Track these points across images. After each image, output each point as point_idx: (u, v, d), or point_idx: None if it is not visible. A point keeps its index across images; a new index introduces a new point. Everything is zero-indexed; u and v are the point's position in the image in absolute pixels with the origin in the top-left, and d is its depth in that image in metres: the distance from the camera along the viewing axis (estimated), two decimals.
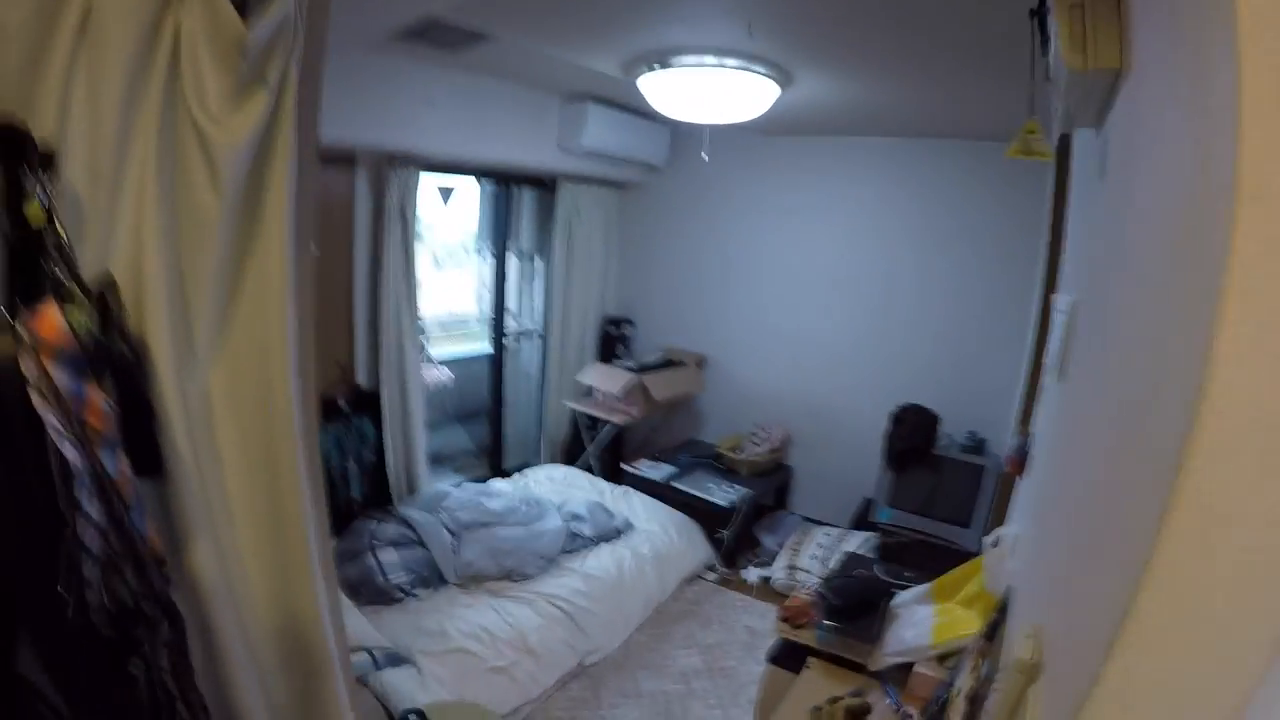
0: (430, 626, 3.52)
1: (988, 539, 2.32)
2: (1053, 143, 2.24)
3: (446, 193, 4.93)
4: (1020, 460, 2.47)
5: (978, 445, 4.67)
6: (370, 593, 3.66)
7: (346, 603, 3.28)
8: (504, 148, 4.64)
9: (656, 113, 4.19)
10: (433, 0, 2.75)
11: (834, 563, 4.56)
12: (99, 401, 1.20)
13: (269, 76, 1.47)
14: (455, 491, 4.52)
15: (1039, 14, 1.68)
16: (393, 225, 4.25)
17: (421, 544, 3.95)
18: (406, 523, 4.04)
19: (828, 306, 5.55)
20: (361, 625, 3.38)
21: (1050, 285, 3.50)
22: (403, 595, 3.70)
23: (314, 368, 1.75)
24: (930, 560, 4.58)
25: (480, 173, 5.07)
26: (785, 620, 2.88)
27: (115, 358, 1.32)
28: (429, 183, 4.65)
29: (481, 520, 4.19)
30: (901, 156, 5.13)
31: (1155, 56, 1.01)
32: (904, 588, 3.05)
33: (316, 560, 1.69)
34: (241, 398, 1.60)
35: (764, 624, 4.30)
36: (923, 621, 2.64)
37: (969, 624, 2.38)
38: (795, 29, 2.91)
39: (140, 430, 1.39)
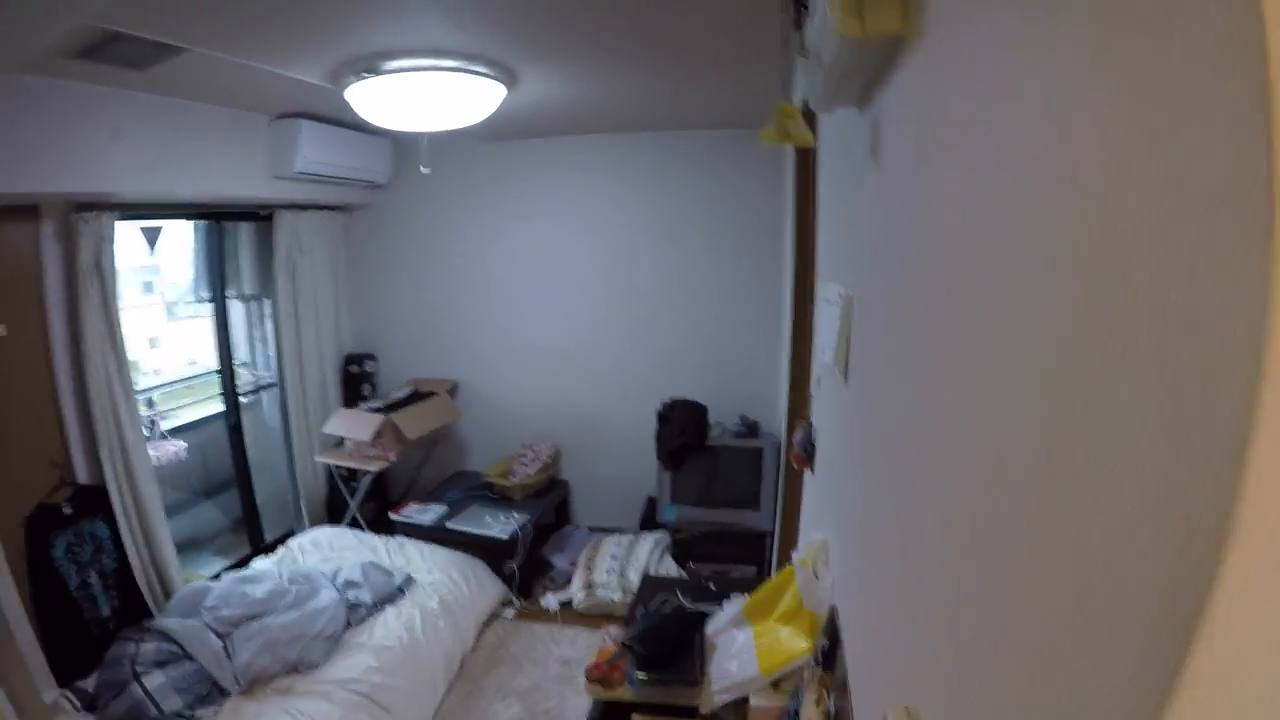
0: None
1: (795, 554, 2.32)
2: None
3: (152, 236, 4.47)
4: (807, 454, 2.58)
5: (751, 428, 4.93)
6: None
7: None
8: (210, 180, 4.23)
9: (375, 126, 4.00)
10: (85, 6, 2.39)
11: (632, 574, 4.66)
12: None
13: None
14: (214, 585, 4.17)
15: None
16: (89, 286, 3.75)
17: (189, 656, 3.63)
18: (167, 635, 3.71)
19: (575, 310, 5.66)
20: None
21: (804, 267, 3.72)
22: None
23: None
24: (727, 547, 4.83)
25: (188, 212, 4.61)
26: (596, 682, 2.82)
27: None
28: (132, 229, 4.24)
29: (249, 613, 3.88)
30: (634, 150, 5.33)
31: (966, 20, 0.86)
32: (711, 612, 3.02)
33: None
34: None
35: (575, 652, 4.35)
36: (744, 649, 2.61)
37: (795, 644, 2.38)
38: (513, 20, 2.86)
39: None
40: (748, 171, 5.12)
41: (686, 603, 3.23)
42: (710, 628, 2.78)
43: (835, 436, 2.06)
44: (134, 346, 4.35)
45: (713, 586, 3.41)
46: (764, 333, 5.25)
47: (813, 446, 2.55)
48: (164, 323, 5.62)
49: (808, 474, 2.81)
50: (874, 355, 1.46)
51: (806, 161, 3.62)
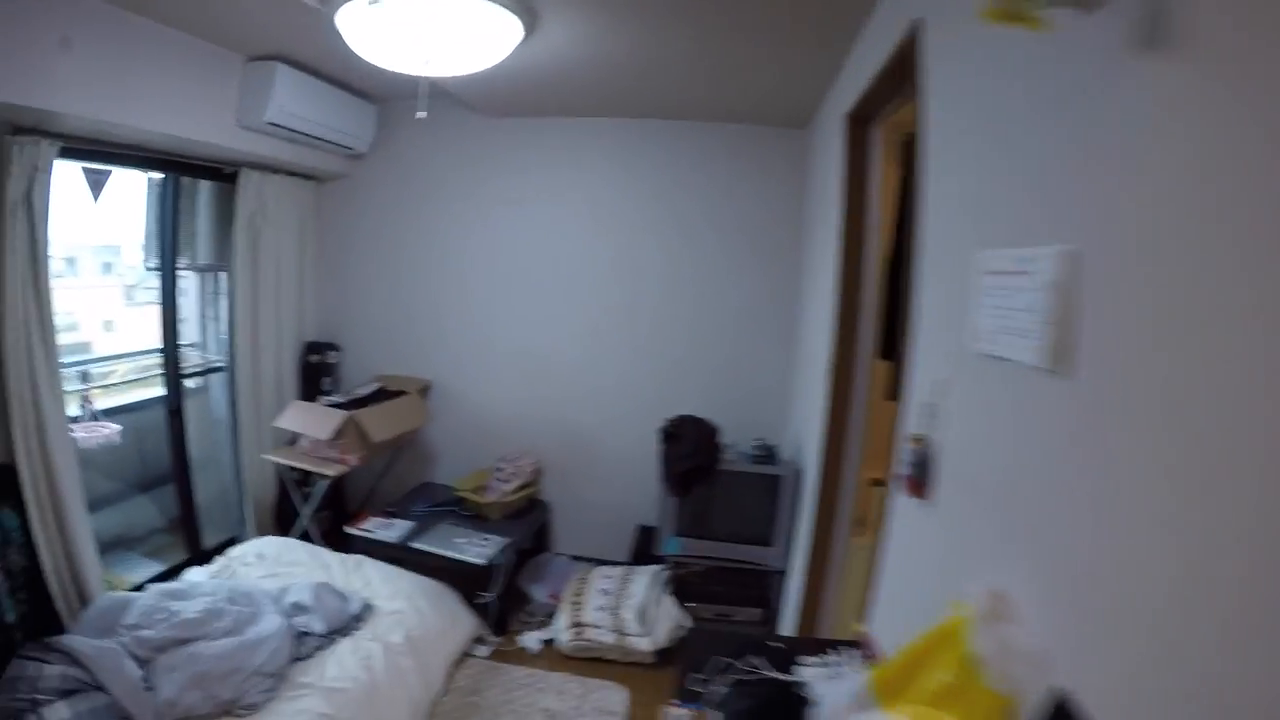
0: None
1: (971, 608, 1.59)
2: None
3: (97, 182, 3.73)
4: (919, 479, 2.08)
5: (768, 453, 4.37)
6: None
7: None
8: (167, 116, 3.56)
9: (359, 85, 3.42)
10: None
11: (626, 613, 4.07)
12: None
13: None
14: (137, 598, 3.45)
15: None
16: (14, 223, 3.06)
17: (100, 686, 2.94)
18: (75, 659, 3.00)
19: (568, 311, 5.12)
20: None
21: (851, 261, 3.27)
22: None
23: None
24: (730, 587, 4.27)
25: (138, 155, 3.89)
26: None
27: None
28: (75, 172, 3.58)
29: (177, 636, 3.17)
30: (647, 139, 4.87)
31: None
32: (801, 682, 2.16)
33: None
34: None
35: (563, 703, 3.72)
36: None
37: None
38: None
39: None
40: (772, 175, 4.71)
41: (772, 670, 2.32)
42: (823, 711, 1.95)
43: (1022, 449, 1.50)
44: (89, 330, 3.99)
45: (775, 644, 2.55)
46: (779, 352, 4.79)
47: (926, 469, 2.03)
48: (121, 306, 4.94)
49: (907, 503, 2.26)
50: (1172, 325, 0.95)
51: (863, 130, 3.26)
